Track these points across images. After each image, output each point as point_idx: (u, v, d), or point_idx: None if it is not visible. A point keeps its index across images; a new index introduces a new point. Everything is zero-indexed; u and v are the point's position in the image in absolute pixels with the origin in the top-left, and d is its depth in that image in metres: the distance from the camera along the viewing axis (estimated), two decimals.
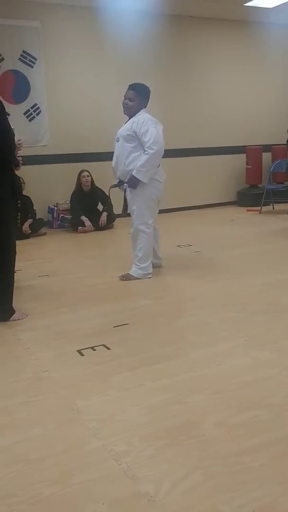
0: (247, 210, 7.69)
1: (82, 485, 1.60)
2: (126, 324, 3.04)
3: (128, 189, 4.03)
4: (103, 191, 6.49)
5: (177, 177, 7.10)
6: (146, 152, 3.88)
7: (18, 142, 3.27)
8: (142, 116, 3.95)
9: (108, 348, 2.68)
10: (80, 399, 2.15)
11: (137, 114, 3.99)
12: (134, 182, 3.96)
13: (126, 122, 4.08)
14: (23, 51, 6.82)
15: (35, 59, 6.92)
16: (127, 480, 1.61)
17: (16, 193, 3.24)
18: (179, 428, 1.90)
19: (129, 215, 4.17)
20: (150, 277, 4.06)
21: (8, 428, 1.96)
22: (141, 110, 4.00)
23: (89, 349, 2.68)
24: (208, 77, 8.09)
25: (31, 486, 1.60)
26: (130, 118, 4.03)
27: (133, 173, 3.92)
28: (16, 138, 3.21)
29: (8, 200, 3.14)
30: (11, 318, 3.20)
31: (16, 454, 1.78)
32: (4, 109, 3.07)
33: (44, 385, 2.32)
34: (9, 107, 6.81)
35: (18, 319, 3.21)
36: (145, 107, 4.03)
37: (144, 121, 3.90)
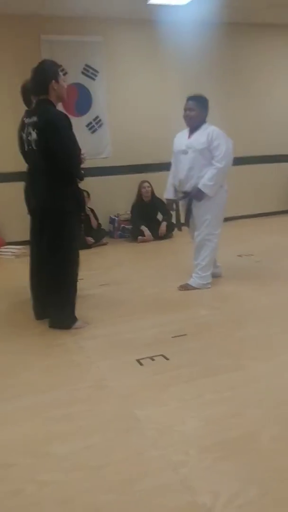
0: None
1: (140, 494, 1.62)
2: (185, 334, 3.05)
3: (199, 201, 4.04)
4: (162, 201, 6.54)
5: (238, 185, 7.04)
6: (214, 167, 3.91)
7: (82, 156, 3.39)
8: (214, 129, 3.98)
9: (167, 359, 2.70)
10: (139, 408, 2.18)
11: (203, 126, 4.01)
12: (199, 196, 3.99)
13: (190, 134, 4.08)
14: (86, 65, 7.03)
15: (97, 72, 7.11)
16: (185, 490, 1.62)
17: (80, 206, 3.35)
18: (237, 441, 1.88)
19: (188, 225, 4.21)
20: (209, 287, 4.05)
21: (69, 435, 2.02)
22: (206, 123, 4.03)
23: (148, 358, 2.71)
24: (270, 84, 7.99)
25: (90, 493, 1.64)
26: (192, 129, 4.05)
27: (199, 187, 3.95)
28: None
29: (73, 212, 3.25)
30: (74, 326, 3.29)
31: (76, 461, 1.83)
32: (71, 125, 3.19)
33: (104, 393, 2.37)
34: (72, 120, 7.01)
35: (80, 327, 3.29)
36: (205, 118, 4.05)
37: (218, 135, 3.94)
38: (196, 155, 3.99)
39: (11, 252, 6.20)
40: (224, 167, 3.94)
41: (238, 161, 7.53)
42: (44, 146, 3.12)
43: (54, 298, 3.29)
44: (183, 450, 1.83)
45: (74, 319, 3.32)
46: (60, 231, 3.21)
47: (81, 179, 3.33)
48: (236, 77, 7.78)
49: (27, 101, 3.72)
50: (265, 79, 7.96)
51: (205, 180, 3.93)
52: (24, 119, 3.33)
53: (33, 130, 3.16)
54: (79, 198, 3.30)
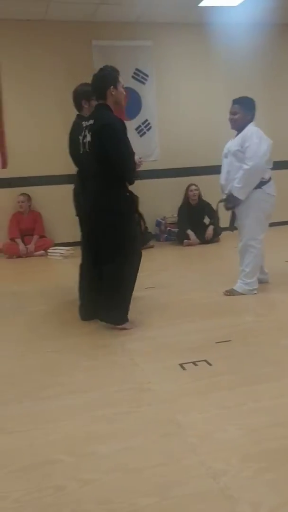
0: None
1: (178, 500, 1.62)
2: (229, 340, 3.02)
3: (236, 206, 4.00)
4: (210, 205, 6.51)
5: (286, 189, 6.91)
6: (243, 168, 3.85)
7: (139, 161, 3.45)
8: (249, 130, 3.92)
9: (210, 364, 2.68)
10: (180, 413, 2.18)
11: (246, 129, 3.97)
12: (233, 200, 3.94)
13: (235, 137, 4.07)
14: (136, 69, 7.11)
15: (147, 76, 7.17)
16: (224, 500, 1.60)
17: (133, 207, 3.37)
18: (280, 452, 1.85)
19: (236, 228, 4.14)
20: (255, 293, 3.99)
21: (110, 436, 2.04)
22: (250, 124, 3.96)
23: (191, 363, 2.70)
24: None
25: (129, 495, 1.65)
26: (238, 132, 4.02)
27: (231, 191, 3.91)
28: (136, 157, 3.38)
29: (128, 214, 3.29)
30: (123, 326, 3.32)
31: (116, 462, 1.85)
32: (126, 130, 3.25)
33: (146, 396, 2.38)
34: None
35: (128, 329, 3.31)
36: (251, 120, 3.99)
37: (251, 135, 3.87)
38: (232, 158, 3.97)
39: (60, 253, 6.32)
40: (252, 168, 3.81)
41: (284, 165, 7.46)
42: (98, 149, 3.18)
43: (111, 296, 3.31)
44: (224, 459, 1.81)
45: (126, 319, 3.35)
46: (118, 233, 3.25)
47: (131, 183, 3.35)
48: (284, 79, 7.64)
49: (78, 106, 3.80)
50: None
51: (234, 182, 3.89)
52: (83, 122, 3.39)
53: (89, 133, 3.24)
54: (132, 199, 3.34)
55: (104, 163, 3.17)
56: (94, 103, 3.75)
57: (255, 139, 3.85)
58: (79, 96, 3.78)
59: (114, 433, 2.06)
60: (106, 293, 3.33)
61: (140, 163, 3.47)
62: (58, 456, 1.91)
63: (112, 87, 3.23)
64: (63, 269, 5.66)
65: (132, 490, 1.68)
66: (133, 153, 3.30)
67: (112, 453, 1.91)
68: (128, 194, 3.32)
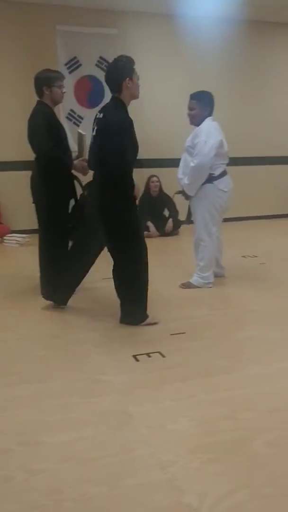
0: None
1: (128, 490, 1.63)
2: (184, 333, 3.06)
3: (188, 200, 4.06)
4: (170, 198, 6.54)
5: (244, 186, 7.02)
6: (191, 164, 3.90)
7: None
8: (202, 126, 3.94)
9: (164, 356, 2.71)
10: (133, 404, 2.19)
11: (201, 124, 3.99)
12: (185, 195, 4.03)
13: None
14: (100, 57, 7.03)
15: None
16: (171, 490, 1.63)
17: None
18: (229, 444, 1.89)
19: (192, 222, 4.18)
20: (210, 287, 4.05)
21: (63, 426, 2.03)
22: (207, 119, 3.98)
23: (145, 355, 2.72)
24: (285, 85, 7.94)
25: (79, 485, 1.65)
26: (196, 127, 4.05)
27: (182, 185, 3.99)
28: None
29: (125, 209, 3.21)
30: (145, 322, 3.22)
31: (67, 452, 1.85)
32: (131, 131, 3.14)
33: (100, 387, 2.38)
34: (84, 112, 7.05)
35: (151, 324, 3.22)
36: (210, 115, 4.00)
37: (201, 132, 3.89)
38: (185, 154, 4.04)
39: (16, 240, 6.22)
40: (197, 166, 3.86)
41: (249, 161, 7.58)
42: (100, 142, 3.10)
43: (126, 294, 3.25)
44: (173, 450, 1.84)
45: (145, 315, 3.26)
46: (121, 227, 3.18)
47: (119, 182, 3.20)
48: (253, 76, 7.74)
49: (39, 92, 3.72)
50: (282, 80, 7.91)
51: (184, 179, 3.96)
52: (97, 113, 3.29)
53: (96, 126, 3.17)
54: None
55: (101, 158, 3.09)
56: (56, 89, 3.71)
57: (203, 136, 3.87)
58: (41, 83, 3.70)
59: (66, 424, 2.05)
60: (120, 291, 3.27)
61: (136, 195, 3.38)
62: (8, 446, 1.89)
63: (128, 79, 3.12)
64: (19, 256, 5.57)
65: (82, 480, 1.68)
66: (136, 151, 3.22)
67: (63, 443, 1.90)
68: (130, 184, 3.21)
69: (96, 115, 3.23)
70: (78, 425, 2.03)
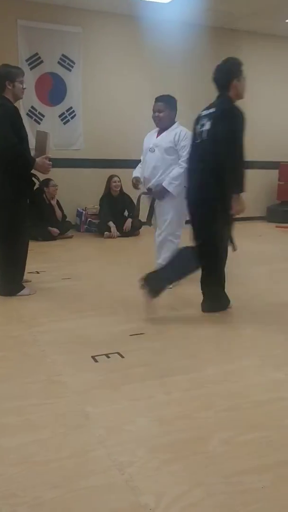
0: (276, 227, 7.64)
1: (84, 492, 1.61)
2: (142, 333, 3.06)
3: (161, 200, 4.05)
4: (130, 198, 6.55)
5: None
6: (180, 166, 3.93)
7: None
8: (182, 130, 4.01)
9: (122, 357, 2.70)
10: (90, 405, 2.17)
11: (173, 126, 4.04)
12: (163, 193, 4.01)
13: (159, 133, 4.12)
14: (63, 55, 6.96)
15: (74, 63, 7.05)
16: (128, 491, 1.62)
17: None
18: (186, 443, 1.90)
19: (151, 224, 4.22)
20: (171, 288, 4.05)
21: (18, 428, 1.99)
22: (176, 123, 4.05)
23: (104, 356, 2.70)
24: (252, 92, 8.06)
25: (34, 488, 1.62)
26: (162, 129, 4.07)
27: (163, 185, 3.97)
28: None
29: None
30: (228, 307, 3.52)
31: (22, 455, 1.81)
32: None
33: (57, 388, 2.34)
34: (45, 109, 6.96)
35: (229, 308, 3.52)
36: (175, 118, 4.06)
37: (185, 136, 3.94)
38: (162, 154, 4.04)
39: None
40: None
41: None
42: (216, 132, 3.16)
43: (211, 288, 3.52)
44: (131, 450, 1.83)
45: (227, 303, 3.53)
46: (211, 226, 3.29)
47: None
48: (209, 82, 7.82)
49: (1, 87, 3.65)
50: (247, 86, 8.02)
51: (170, 178, 3.98)
52: (202, 112, 3.43)
53: (208, 121, 3.26)
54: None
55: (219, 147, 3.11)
56: (18, 85, 3.67)
57: (189, 140, 3.93)
58: (3, 77, 3.65)
59: (22, 426, 2.01)
60: (206, 285, 3.52)
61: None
62: None
63: (235, 79, 3.28)
64: None
65: (37, 483, 1.66)
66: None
67: (18, 446, 1.87)
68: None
69: (202, 113, 3.39)
70: (34, 427, 2.00)
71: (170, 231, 4.07)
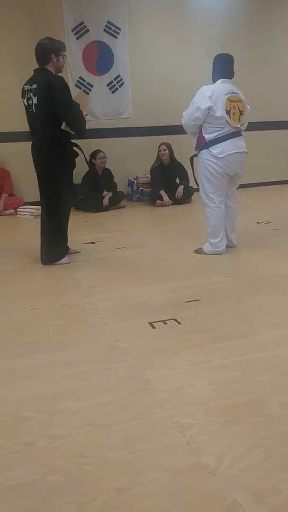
0: None
1: (146, 453, 1.67)
2: (198, 300, 3.07)
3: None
4: (181, 165, 6.49)
5: (258, 151, 6.92)
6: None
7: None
8: (202, 87, 3.93)
9: (179, 323, 2.73)
10: (150, 370, 2.22)
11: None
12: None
13: None
14: (108, 22, 6.87)
15: (119, 29, 6.95)
16: (190, 452, 1.66)
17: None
18: (244, 406, 1.92)
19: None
20: (221, 254, 4.03)
21: (81, 392, 2.07)
22: (217, 82, 3.96)
23: (161, 322, 2.74)
24: None
25: (99, 449, 1.70)
26: None
27: None
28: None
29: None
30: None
31: (86, 418, 1.89)
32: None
33: (116, 354, 2.41)
34: (93, 79, 6.94)
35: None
36: (219, 78, 3.95)
37: (196, 93, 3.90)
38: None
39: (30, 212, 6.24)
40: (184, 124, 3.99)
41: (262, 126, 7.43)
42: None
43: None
44: (191, 413, 1.87)
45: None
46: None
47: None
48: (262, 39, 7.53)
49: (45, 60, 3.67)
50: None
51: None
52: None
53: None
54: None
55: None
56: (61, 59, 3.69)
57: (195, 97, 3.90)
58: (49, 50, 3.66)
59: (84, 390, 2.09)
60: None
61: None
62: (28, 413, 1.93)
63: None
64: (33, 228, 5.59)
65: (101, 444, 1.73)
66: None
67: (81, 410, 1.94)
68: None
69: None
70: (96, 392, 2.07)
71: (203, 194, 4.08)
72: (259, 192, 7.21)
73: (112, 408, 1.95)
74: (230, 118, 3.86)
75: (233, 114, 3.89)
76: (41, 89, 3.60)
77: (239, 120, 3.93)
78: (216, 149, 3.89)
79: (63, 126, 3.65)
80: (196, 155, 4.08)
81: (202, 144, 3.92)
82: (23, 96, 3.77)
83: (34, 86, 3.64)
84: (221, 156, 3.88)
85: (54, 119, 3.64)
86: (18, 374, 2.25)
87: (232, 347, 2.42)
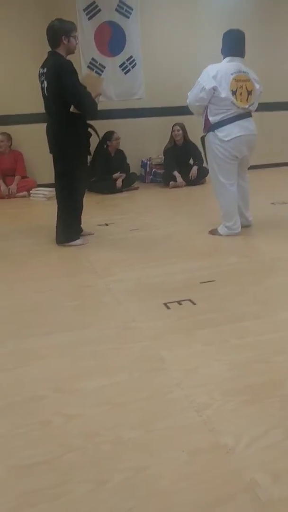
0: None
1: (163, 432, 1.66)
2: (213, 280, 3.04)
3: None
4: (195, 145, 6.41)
5: (273, 132, 6.81)
6: None
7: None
8: (209, 66, 3.83)
9: (194, 303, 2.71)
10: (165, 350, 2.21)
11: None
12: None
13: None
14: (120, 1, 6.76)
15: (131, 9, 6.84)
16: (207, 431, 1.65)
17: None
18: (262, 386, 1.89)
19: None
20: (235, 235, 3.98)
21: (97, 372, 2.07)
22: (224, 60, 3.85)
23: (175, 303, 2.72)
24: None
25: (115, 428, 1.69)
26: None
27: None
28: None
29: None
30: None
31: (102, 396, 1.88)
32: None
33: (132, 334, 2.40)
34: (105, 60, 6.85)
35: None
36: (227, 56, 3.84)
37: (203, 71, 3.81)
38: None
39: (43, 194, 6.22)
40: (189, 104, 3.89)
41: (279, 106, 7.31)
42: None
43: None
44: (207, 393, 1.86)
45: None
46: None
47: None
48: (275, 19, 7.36)
49: (56, 42, 3.62)
50: None
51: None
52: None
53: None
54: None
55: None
56: (72, 40, 3.63)
57: (200, 76, 3.82)
58: (59, 32, 3.60)
59: (99, 370, 2.08)
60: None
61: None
62: (44, 393, 1.93)
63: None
64: (47, 210, 5.58)
65: (117, 423, 1.72)
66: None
67: (97, 389, 1.94)
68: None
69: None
70: (111, 371, 2.06)
71: (212, 177, 4.05)
72: (274, 173, 7.11)
73: (128, 387, 1.94)
74: (236, 99, 3.72)
75: (240, 94, 3.74)
76: (50, 73, 3.61)
77: (247, 100, 3.77)
78: (221, 132, 3.78)
79: (72, 109, 3.61)
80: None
81: (208, 127, 3.85)
82: (39, 79, 3.75)
83: (45, 70, 3.66)
84: (226, 139, 3.78)
85: (64, 102, 3.61)
86: (34, 354, 2.25)
87: (248, 327, 2.40)
